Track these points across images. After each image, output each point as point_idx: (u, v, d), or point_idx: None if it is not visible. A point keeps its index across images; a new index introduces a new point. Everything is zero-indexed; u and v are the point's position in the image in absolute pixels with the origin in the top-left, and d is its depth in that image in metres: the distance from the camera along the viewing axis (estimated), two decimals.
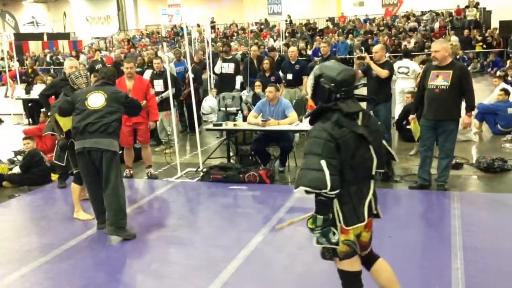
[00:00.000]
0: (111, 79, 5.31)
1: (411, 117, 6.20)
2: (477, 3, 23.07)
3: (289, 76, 9.21)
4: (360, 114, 2.85)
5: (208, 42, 12.29)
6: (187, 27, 8.14)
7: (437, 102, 5.69)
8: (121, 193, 4.93)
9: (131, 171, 7.22)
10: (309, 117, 2.94)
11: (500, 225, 4.97)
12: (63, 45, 30.36)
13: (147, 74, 9.27)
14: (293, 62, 9.27)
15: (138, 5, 34.40)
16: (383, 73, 6.70)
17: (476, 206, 5.53)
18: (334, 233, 2.76)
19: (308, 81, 2.97)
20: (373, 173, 2.87)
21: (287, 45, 13.70)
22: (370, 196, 2.87)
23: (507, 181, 6.33)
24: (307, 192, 2.69)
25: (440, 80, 5.66)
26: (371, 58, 6.99)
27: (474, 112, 7.64)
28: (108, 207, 4.87)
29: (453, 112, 5.72)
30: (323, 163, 2.65)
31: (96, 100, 4.97)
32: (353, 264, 2.91)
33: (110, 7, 33.93)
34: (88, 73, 5.61)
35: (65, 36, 32.60)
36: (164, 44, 8.87)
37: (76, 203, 5.61)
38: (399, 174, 6.58)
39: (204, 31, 15.35)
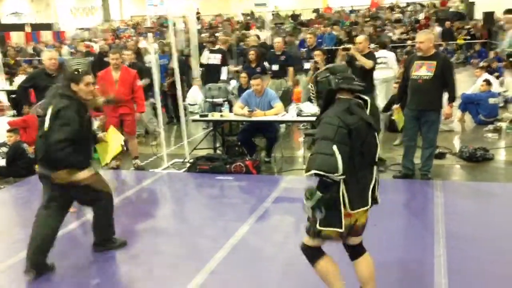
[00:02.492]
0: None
1: (394, 107, 6.27)
2: None
3: (275, 67, 9.22)
4: (369, 103, 2.99)
5: (193, 33, 12.25)
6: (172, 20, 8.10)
7: (420, 93, 5.75)
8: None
9: (118, 162, 7.20)
10: (318, 107, 3.08)
11: (482, 213, 5.08)
12: (46, 36, 29.94)
13: None
14: (278, 53, 9.27)
15: None
16: (368, 63, 6.73)
17: (459, 195, 5.63)
18: (321, 212, 2.83)
19: (310, 90, 3.13)
20: (377, 159, 3.01)
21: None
22: (373, 181, 3.02)
23: (489, 170, 6.45)
24: (317, 175, 2.76)
25: (423, 71, 5.73)
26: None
27: (456, 103, 7.73)
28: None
29: (436, 102, 5.79)
30: (335, 148, 2.72)
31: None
32: (319, 243, 3.08)
33: None
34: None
35: (48, 27, 32.15)
36: (150, 34, 8.81)
37: None
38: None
39: (189, 22, 15.19)
